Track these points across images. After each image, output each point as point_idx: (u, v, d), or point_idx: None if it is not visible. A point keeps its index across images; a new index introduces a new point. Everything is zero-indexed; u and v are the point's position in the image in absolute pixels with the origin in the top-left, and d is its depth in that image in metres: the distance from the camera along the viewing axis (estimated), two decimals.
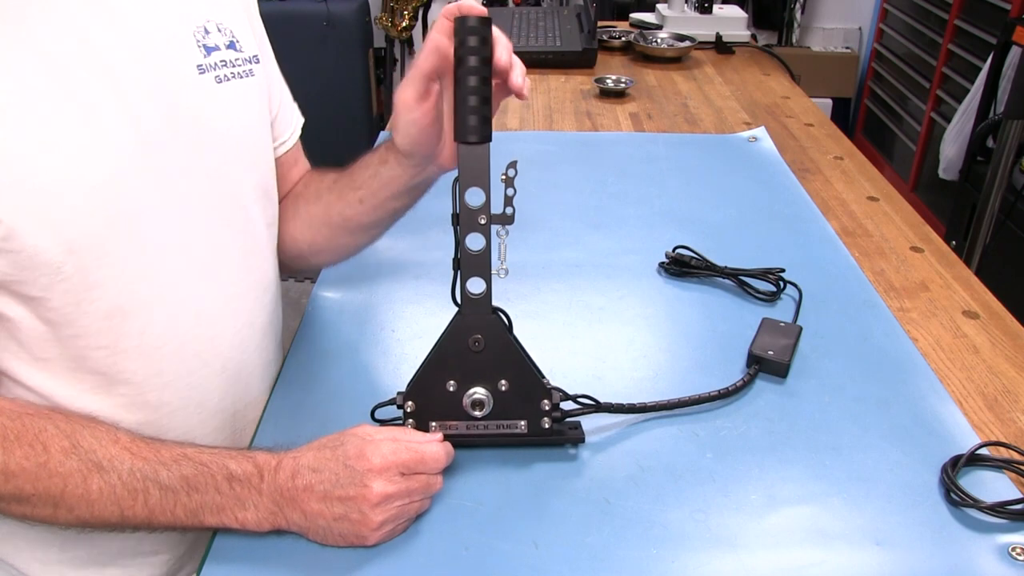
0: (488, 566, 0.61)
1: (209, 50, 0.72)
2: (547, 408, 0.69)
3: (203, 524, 0.62)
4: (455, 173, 0.65)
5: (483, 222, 0.65)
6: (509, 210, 0.65)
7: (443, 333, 0.68)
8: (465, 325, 0.67)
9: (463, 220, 0.65)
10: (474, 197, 0.64)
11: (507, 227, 0.66)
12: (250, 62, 0.77)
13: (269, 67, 0.83)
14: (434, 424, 0.69)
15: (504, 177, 0.64)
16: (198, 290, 0.72)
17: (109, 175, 0.62)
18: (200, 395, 0.73)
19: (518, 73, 0.66)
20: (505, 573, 0.60)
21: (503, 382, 0.68)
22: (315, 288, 0.96)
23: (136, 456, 0.61)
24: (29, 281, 0.61)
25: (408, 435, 0.64)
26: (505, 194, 0.64)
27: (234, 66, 0.74)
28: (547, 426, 0.69)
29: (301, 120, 0.90)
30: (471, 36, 0.63)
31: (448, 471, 0.66)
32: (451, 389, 0.68)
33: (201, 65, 0.71)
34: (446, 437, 0.67)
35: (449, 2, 0.66)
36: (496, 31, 0.66)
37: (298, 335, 0.87)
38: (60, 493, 0.60)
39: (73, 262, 0.62)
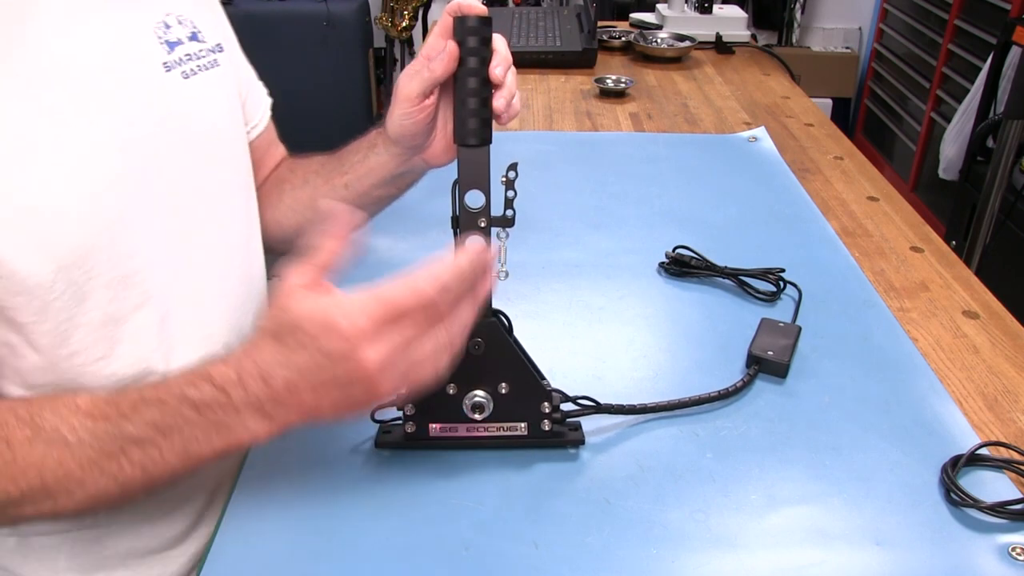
0: (488, 566, 0.61)
1: (172, 45, 0.70)
2: (547, 411, 0.69)
3: (201, 458, 0.56)
4: (455, 174, 0.64)
5: (483, 225, 0.64)
6: (509, 213, 0.64)
7: None
8: None
9: (463, 223, 0.64)
10: (474, 200, 0.64)
11: (507, 230, 0.66)
12: (214, 51, 0.75)
13: (233, 52, 0.81)
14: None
15: (504, 179, 0.64)
16: (185, 290, 0.71)
17: (87, 189, 0.61)
18: None
19: (503, 97, 0.65)
20: (505, 573, 0.60)
21: (503, 385, 0.68)
22: None
23: (98, 418, 0.56)
24: (21, 307, 0.60)
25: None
26: (505, 196, 0.64)
27: (199, 58, 0.73)
28: (547, 428, 0.69)
29: (270, 100, 0.89)
30: (471, 37, 0.63)
31: (448, 471, 0.66)
32: (451, 392, 0.67)
33: (167, 63, 0.69)
34: (445, 440, 0.66)
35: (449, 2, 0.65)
36: (500, 43, 0.65)
37: None
38: (42, 483, 0.56)
39: (64, 278, 0.60)
